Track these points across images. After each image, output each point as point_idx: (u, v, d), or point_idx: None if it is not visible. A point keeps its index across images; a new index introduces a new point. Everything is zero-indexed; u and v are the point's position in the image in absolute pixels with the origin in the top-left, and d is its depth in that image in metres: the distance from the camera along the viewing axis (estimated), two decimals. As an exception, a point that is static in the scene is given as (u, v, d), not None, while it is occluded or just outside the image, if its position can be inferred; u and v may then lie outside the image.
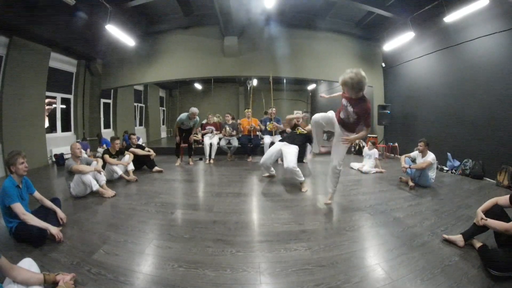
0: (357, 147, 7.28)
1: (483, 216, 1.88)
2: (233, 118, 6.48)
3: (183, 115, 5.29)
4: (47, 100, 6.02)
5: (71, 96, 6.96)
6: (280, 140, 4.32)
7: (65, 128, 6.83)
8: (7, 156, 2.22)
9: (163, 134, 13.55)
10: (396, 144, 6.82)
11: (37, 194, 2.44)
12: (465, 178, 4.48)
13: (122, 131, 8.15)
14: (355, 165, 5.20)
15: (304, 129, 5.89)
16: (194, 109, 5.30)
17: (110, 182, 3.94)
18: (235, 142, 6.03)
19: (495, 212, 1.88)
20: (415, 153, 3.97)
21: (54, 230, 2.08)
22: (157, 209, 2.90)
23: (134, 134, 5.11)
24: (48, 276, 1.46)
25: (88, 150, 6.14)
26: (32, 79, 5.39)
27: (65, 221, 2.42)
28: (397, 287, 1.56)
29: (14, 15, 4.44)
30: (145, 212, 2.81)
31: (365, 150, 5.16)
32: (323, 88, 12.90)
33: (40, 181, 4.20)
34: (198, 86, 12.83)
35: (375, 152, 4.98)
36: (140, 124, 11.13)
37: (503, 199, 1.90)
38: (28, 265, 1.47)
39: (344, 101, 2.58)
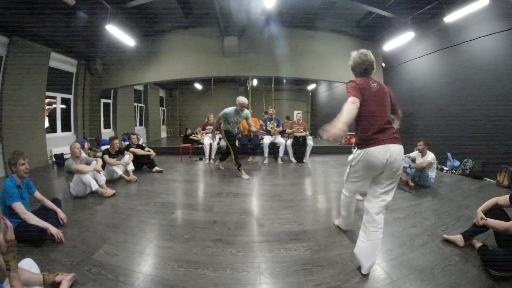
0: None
1: (483, 216, 1.88)
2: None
3: (229, 110, 4.19)
4: (47, 100, 6.02)
5: (71, 96, 6.96)
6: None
7: (65, 128, 6.83)
8: (10, 155, 2.23)
9: (163, 134, 13.56)
10: (396, 144, 6.81)
11: (37, 194, 2.45)
12: (465, 178, 4.48)
13: (122, 131, 8.15)
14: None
15: (302, 131, 5.95)
16: (242, 99, 4.15)
17: (110, 182, 3.95)
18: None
19: (495, 212, 1.88)
20: (415, 153, 3.97)
21: (54, 230, 2.08)
22: (157, 209, 2.90)
23: (134, 134, 5.10)
24: (47, 276, 1.46)
25: (86, 144, 6.05)
26: (32, 79, 5.39)
27: (65, 221, 2.42)
28: (397, 287, 1.56)
29: (14, 15, 4.44)
30: (145, 212, 2.81)
31: None
32: (323, 88, 12.91)
33: (40, 181, 4.19)
34: (198, 86, 12.82)
35: None
36: (140, 124, 11.13)
37: (503, 199, 1.90)
38: (28, 266, 1.46)
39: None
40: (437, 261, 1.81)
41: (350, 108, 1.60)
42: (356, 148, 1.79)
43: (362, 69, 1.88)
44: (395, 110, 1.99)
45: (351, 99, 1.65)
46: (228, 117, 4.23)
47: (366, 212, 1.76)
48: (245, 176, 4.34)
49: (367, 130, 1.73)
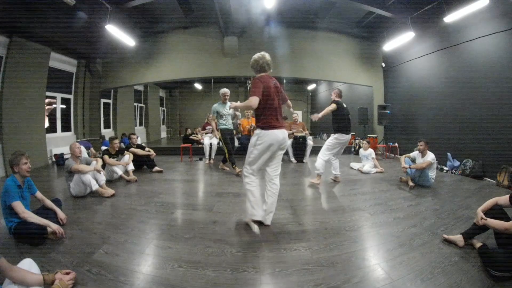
0: (357, 147, 7.28)
1: (483, 216, 1.88)
2: (232, 118, 6.47)
3: (216, 104, 4.66)
4: (47, 100, 6.02)
5: (71, 96, 6.96)
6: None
7: (65, 128, 6.83)
8: (11, 156, 2.22)
9: (163, 134, 13.55)
10: (396, 144, 6.82)
11: (39, 194, 2.45)
12: (465, 178, 4.48)
13: (122, 131, 8.15)
14: (355, 165, 5.19)
15: (302, 131, 5.95)
16: (222, 90, 4.63)
17: (110, 182, 3.95)
18: (235, 142, 6.02)
19: (495, 212, 1.88)
20: (415, 153, 3.97)
21: (55, 226, 2.09)
22: (157, 209, 2.90)
23: (134, 134, 5.10)
24: (47, 276, 1.46)
25: (92, 149, 6.17)
26: (32, 79, 5.39)
27: (65, 222, 2.42)
28: (397, 287, 1.56)
29: (14, 15, 4.44)
30: (145, 212, 2.81)
31: (361, 151, 5.14)
32: (323, 88, 12.91)
33: (40, 181, 4.19)
34: (198, 86, 12.82)
35: (371, 152, 4.96)
36: (140, 124, 11.13)
37: (503, 199, 1.90)
38: (28, 266, 1.46)
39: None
40: (437, 261, 1.81)
41: (251, 104, 2.17)
42: (260, 129, 2.31)
43: (259, 66, 2.38)
44: (285, 101, 2.59)
45: (255, 98, 2.18)
46: (219, 110, 4.57)
47: (269, 179, 2.41)
48: (238, 170, 4.50)
49: (272, 117, 2.29)
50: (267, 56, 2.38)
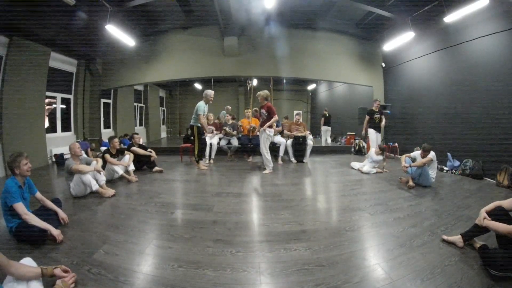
0: (357, 147, 7.28)
1: (486, 216, 1.86)
2: (233, 118, 6.47)
3: (202, 103, 4.85)
4: (47, 100, 6.02)
5: (71, 96, 6.96)
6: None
7: (65, 128, 6.83)
8: (9, 158, 2.18)
9: (163, 134, 13.56)
10: (396, 144, 6.82)
11: (38, 194, 2.44)
12: (465, 178, 4.48)
13: (122, 131, 8.15)
14: (355, 165, 5.19)
15: (302, 132, 5.95)
16: (212, 92, 4.87)
17: (111, 182, 3.95)
18: (235, 142, 6.03)
19: (499, 214, 1.85)
20: (415, 153, 3.98)
21: (55, 231, 2.08)
22: (157, 209, 2.90)
23: (137, 134, 5.05)
24: (45, 269, 1.46)
25: (89, 149, 6.17)
26: (32, 79, 5.39)
27: (67, 221, 2.42)
28: (397, 287, 1.56)
29: (14, 15, 4.44)
30: (145, 212, 2.81)
31: (372, 155, 4.88)
32: (323, 88, 12.91)
33: (40, 181, 4.19)
34: (198, 86, 12.81)
35: (381, 158, 4.89)
36: (140, 124, 11.12)
37: (507, 202, 1.88)
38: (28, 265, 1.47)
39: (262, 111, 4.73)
40: (437, 261, 1.81)
41: (274, 120, 4.64)
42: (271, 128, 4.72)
43: (268, 98, 4.66)
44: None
45: (276, 116, 4.66)
46: (205, 110, 4.94)
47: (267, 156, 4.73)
48: (202, 167, 5.05)
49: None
50: (268, 94, 4.70)
